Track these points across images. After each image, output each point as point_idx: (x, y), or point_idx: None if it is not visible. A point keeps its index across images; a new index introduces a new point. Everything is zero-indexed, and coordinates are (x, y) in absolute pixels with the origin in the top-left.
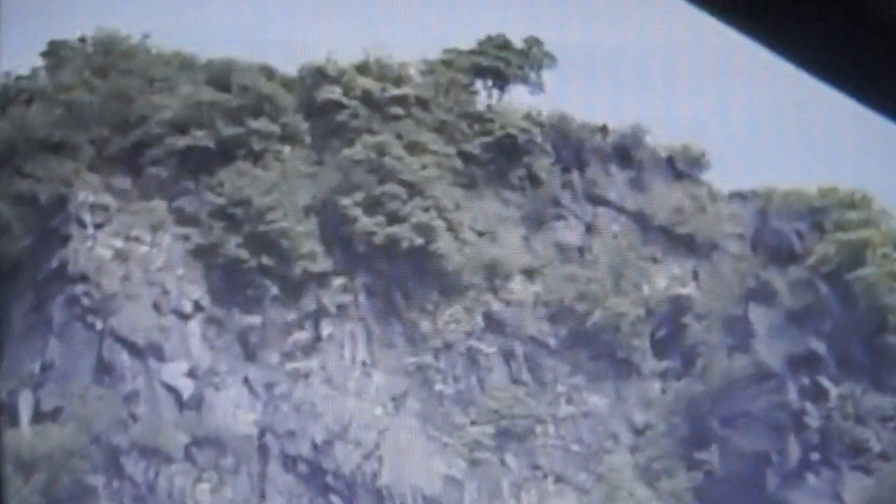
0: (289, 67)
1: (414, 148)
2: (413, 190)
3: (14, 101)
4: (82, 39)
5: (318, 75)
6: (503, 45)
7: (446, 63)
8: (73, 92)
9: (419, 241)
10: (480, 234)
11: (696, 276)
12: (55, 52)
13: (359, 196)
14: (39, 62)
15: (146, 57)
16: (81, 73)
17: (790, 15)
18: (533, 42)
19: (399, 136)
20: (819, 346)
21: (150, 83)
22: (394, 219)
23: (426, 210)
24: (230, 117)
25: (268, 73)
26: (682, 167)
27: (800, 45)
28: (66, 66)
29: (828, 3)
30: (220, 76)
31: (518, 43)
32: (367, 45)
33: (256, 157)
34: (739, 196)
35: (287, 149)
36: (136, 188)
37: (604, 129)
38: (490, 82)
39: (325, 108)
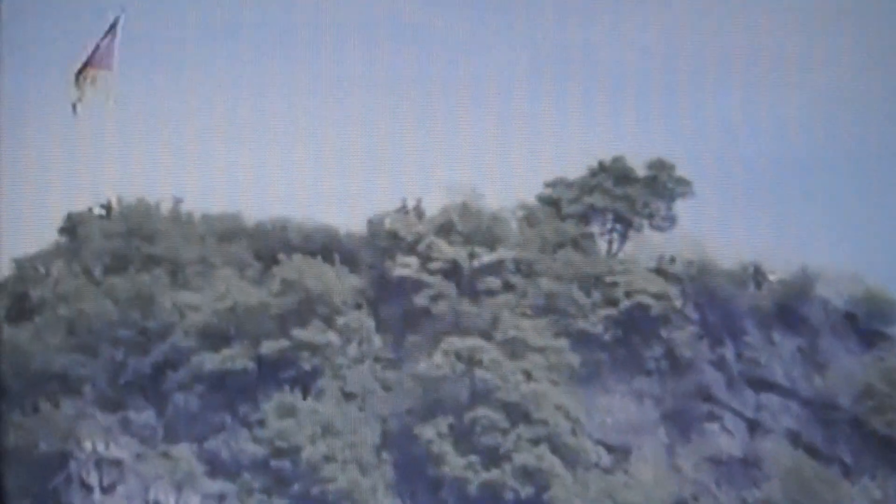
0: (352, 223)
1: (514, 347)
2: (517, 412)
3: (16, 312)
4: (106, 208)
5: (390, 239)
6: (622, 174)
7: (549, 203)
8: (84, 300)
9: (527, 489)
10: (610, 449)
11: None
12: (73, 229)
13: (444, 424)
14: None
15: (177, 230)
16: (100, 260)
17: None
18: (660, 166)
19: (493, 329)
20: None
21: (180, 270)
22: (492, 458)
23: (535, 443)
24: (273, 322)
25: (328, 241)
26: (868, 323)
27: None
28: (82, 250)
29: None
30: (265, 246)
31: (640, 168)
32: (443, 184)
33: (307, 381)
34: None
35: (345, 362)
36: (158, 426)
37: (758, 275)
38: (608, 225)
39: (398, 288)
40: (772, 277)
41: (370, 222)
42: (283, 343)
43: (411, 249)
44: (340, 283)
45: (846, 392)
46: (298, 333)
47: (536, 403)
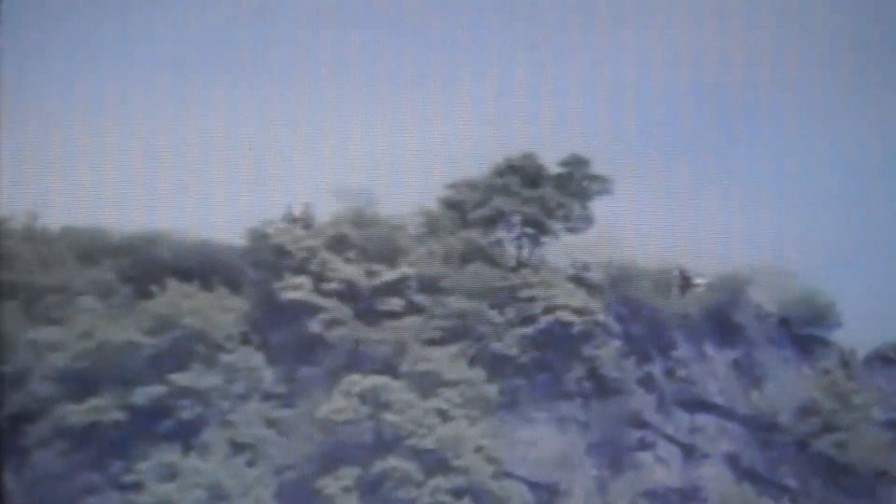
0: (231, 234)
1: (424, 382)
2: (432, 460)
3: None
4: None
5: (276, 255)
6: (532, 172)
7: (452, 207)
8: None
9: None
10: (535, 486)
11: None
12: None
13: (349, 476)
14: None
15: (33, 250)
16: None
17: None
18: (575, 163)
19: (399, 357)
20: None
21: (36, 300)
22: None
23: (456, 495)
24: (146, 364)
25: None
26: (803, 328)
27: None
28: None
29: None
30: (134, 266)
31: (552, 165)
32: (333, 188)
33: (189, 432)
34: (885, 360)
35: (231, 406)
36: (14, 490)
37: (683, 280)
38: (518, 230)
39: (288, 312)
40: (698, 282)
41: (252, 233)
42: (159, 389)
43: (301, 268)
44: (222, 314)
45: (788, 409)
46: (176, 378)
47: (454, 449)
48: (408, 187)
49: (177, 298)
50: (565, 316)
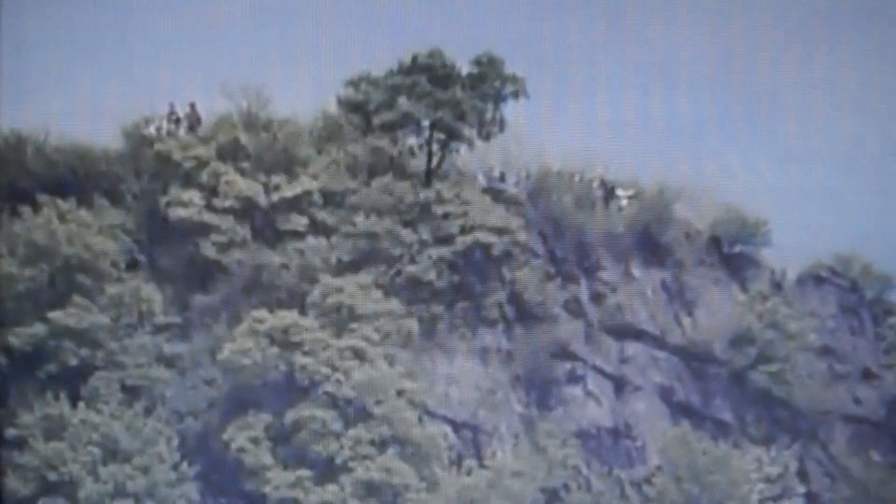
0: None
1: (338, 318)
2: (351, 408)
3: None
4: None
5: (160, 164)
6: (441, 72)
7: (353, 109)
8: None
9: None
10: (458, 428)
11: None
12: None
13: (259, 427)
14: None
15: None
16: None
17: None
18: (488, 63)
19: (305, 284)
20: None
21: None
22: (326, 470)
23: (379, 446)
24: (22, 300)
25: None
26: (733, 247)
27: None
28: None
29: None
30: None
31: (464, 63)
32: (220, 83)
33: (75, 379)
34: (817, 280)
35: (119, 346)
36: None
37: (609, 192)
38: (426, 135)
39: (179, 232)
40: (621, 194)
41: (129, 135)
42: (39, 329)
43: (190, 180)
44: (105, 239)
45: (722, 337)
46: (56, 316)
47: (374, 394)
48: (302, 84)
49: (52, 222)
50: (484, 237)
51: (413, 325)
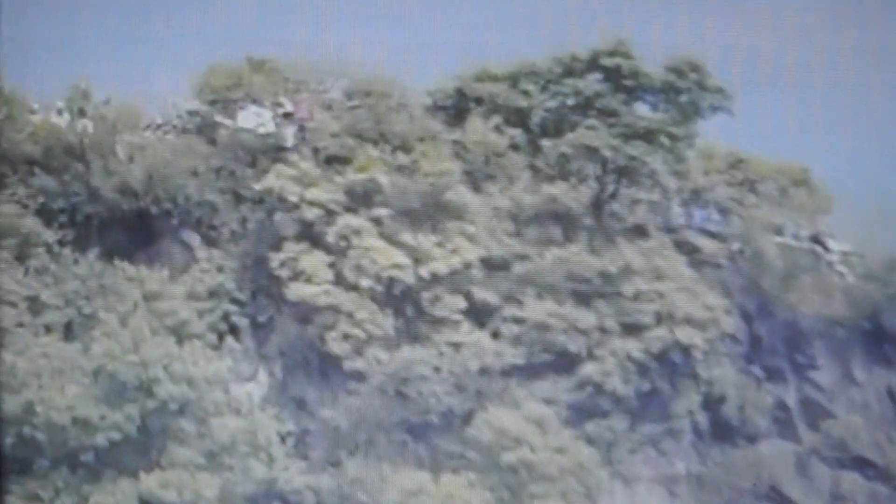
0: None
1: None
2: None
3: None
4: None
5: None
6: (630, 75)
7: (505, 111)
8: None
9: None
10: None
11: None
12: None
13: None
14: None
15: None
16: None
17: None
18: (688, 68)
19: None
20: None
21: None
22: None
23: None
24: None
25: None
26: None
27: None
28: None
29: None
30: None
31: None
32: None
33: None
34: None
35: None
36: None
37: (820, 248)
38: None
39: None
40: (835, 249)
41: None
42: None
43: (310, 235)
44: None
45: None
46: None
47: None
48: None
49: None
50: (686, 335)
51: (603, 477)
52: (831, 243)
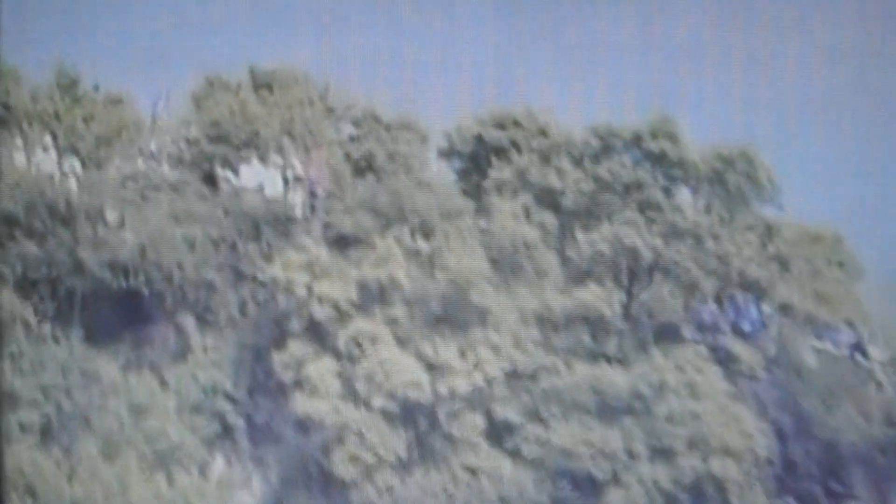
0: None
1: None
2: None
3: None
4: None
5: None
6: (674, 153)
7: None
8: None
9: None
10: None
11: None
12: None
13: None
14: None
15: None
16: None
17: None
18: (738, 156)
19: None
20: None
21: None
22: None
23: None
24: None
25: None
26: None
27: None
28: None
29: None
30: None
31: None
32: None
33: None
34: None
35: None
36: None
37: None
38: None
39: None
40: (877, 359)
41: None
42: None
43: (317, 336)
44: None
45: None
46: None
47: None
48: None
49: None
50: (721, 467)
51: None
52: (872, 351)
